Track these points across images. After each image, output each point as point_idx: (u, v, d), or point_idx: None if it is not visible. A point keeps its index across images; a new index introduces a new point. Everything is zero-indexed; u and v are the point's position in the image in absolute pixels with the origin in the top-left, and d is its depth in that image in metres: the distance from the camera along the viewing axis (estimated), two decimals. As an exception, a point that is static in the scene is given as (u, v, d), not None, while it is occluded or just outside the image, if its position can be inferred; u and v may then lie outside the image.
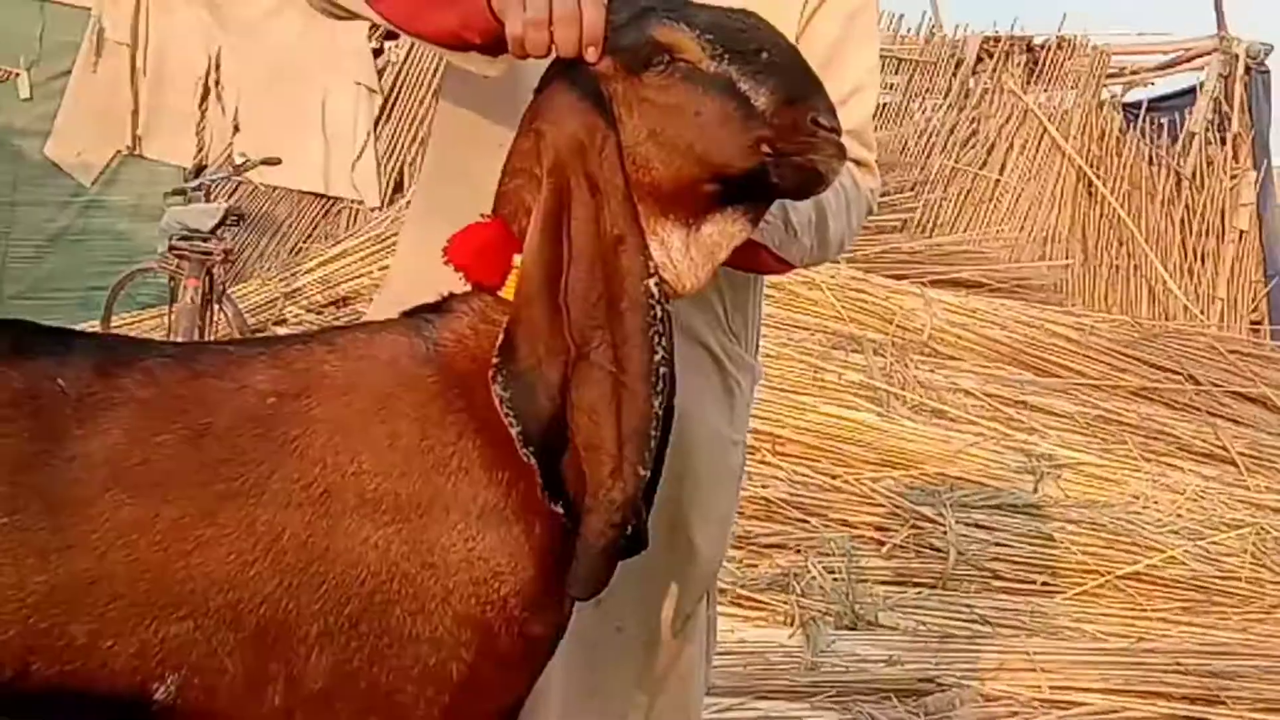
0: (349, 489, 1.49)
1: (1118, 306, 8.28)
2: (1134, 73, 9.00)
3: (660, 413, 1.49)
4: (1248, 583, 4.97)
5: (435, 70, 8.66)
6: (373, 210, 8.45)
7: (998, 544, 5.00)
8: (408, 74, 8.79)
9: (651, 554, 1.59)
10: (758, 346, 2.02)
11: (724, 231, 1.50)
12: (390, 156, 8.74)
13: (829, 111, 1.46)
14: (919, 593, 4.67)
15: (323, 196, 8.68)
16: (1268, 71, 8.82)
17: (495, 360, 1.49)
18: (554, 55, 1.50)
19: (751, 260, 1.66)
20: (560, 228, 1.50)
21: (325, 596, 1.48)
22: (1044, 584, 4.90)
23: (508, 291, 1.54)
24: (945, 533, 4.95)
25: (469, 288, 1.58)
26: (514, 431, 1.48)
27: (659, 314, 1.49)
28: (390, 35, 8.84)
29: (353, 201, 8.68)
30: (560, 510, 1.49)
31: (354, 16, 1.69)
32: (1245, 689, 3.92)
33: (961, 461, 5.46)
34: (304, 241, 8.51)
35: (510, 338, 1.50)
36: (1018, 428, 5.91)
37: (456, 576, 1.49)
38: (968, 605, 4.61)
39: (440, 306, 1.58)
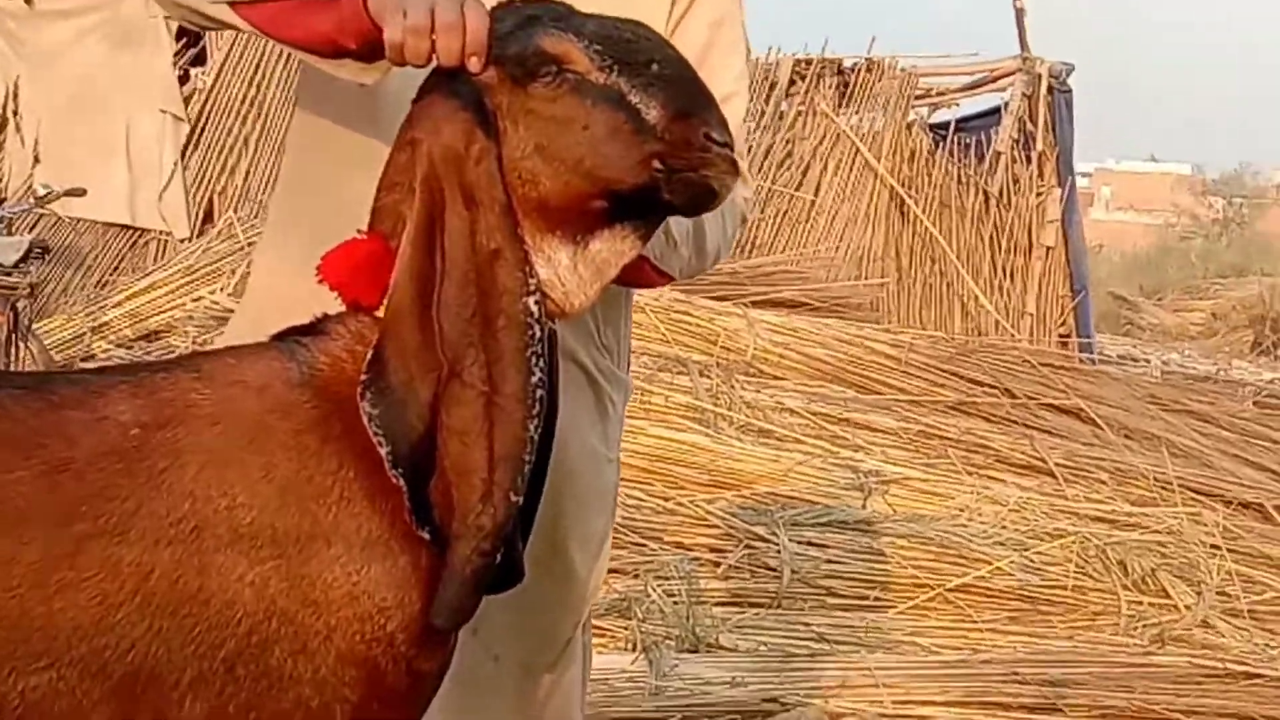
0: (222, 524, 1.41)
1: (932, 323, 8.44)
2: (940, 94, 9.21)
3: (536, 437, 1.44)
4: (1072, 591, 5.06)
5: (245, 98, 8.49)
6: (182, 241, 8.22)
7: (830, 561, 5.02)
8: (216, 100, 8.58)
9: (528, 579, 1.54)
10: (629, 361, 1.98)
11: (613, 249, 1.46)
12: (199, 186, 8.52)
13: (721, 126, 1.43)
14: (756, 613, 4.66)
15: (129, 228, 8.43)
16: (1069, 91, 9.09)
17: (364, 376, 1.43)
18: (434, 64, 1.44)
19: (632, 273, 1.62)
20: (433, 240, 1.44)
21: (198, 640, 1.40)
22: (877, 599, 4.93)
23: (384, 311, 1.47)
24: (779, 552, 4.96)
25: (343, 307, 1.51)
26: (383, 452, 1.42)
27: (538, 334, 1.44)
28: (197, 61, 8.65)
29: (161, 233, 8.44)
30: (427, 536, 1.43)
31: (219, 25, 1.61)
32: (1082, 696, 3.98)
33: (791, 480, 5.48)
34: (110, 274, 8.25)
35: (380, 353, 1.44)
36: (843, 445, 5.95)
37: (340, 613, 1.42)
38: (805, 623, 4.62)
39: (313, 329, 1.51)
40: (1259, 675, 4.02)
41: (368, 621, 1.42)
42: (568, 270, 1.45)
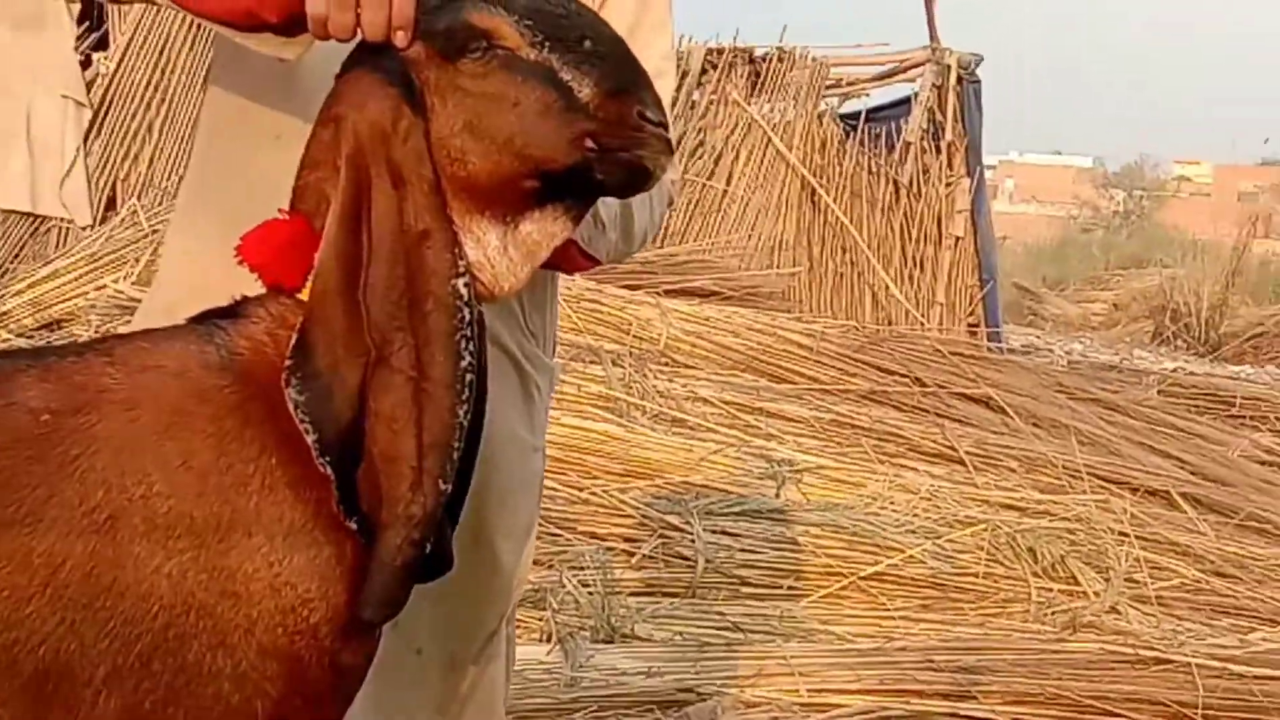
0: (138, 513, 1.35)
1: (843, 312, 8.47)
2: (851, 84, 9.24)
3: (465, 423, 1.40)
4: (983, 578, 5.09)
5: (149, 83, 8.34)
6: (84, 229, 8.05)
7: (744, 550, 5.01)
8: (119, 86, 8.41)
9: (453, 570, 1.50)
10: (555, 346, 1.94)
11: (544, 230, 1.42)
12: (102, 172, 8.35)
13: (656, 105, 1.39)
14: (671, 603, 4.65)
15: (30, 215, 8.25)
16: (979, 81, 9.16)
17: (288, 362, 1.38)
18: (359, 38, 1.39)
19: (560, 256, 1.58)
20: (360, 220, 1.39)
21: (113, 634, 1.34)
22: (790, 588, 4.93)
23: (308, 293, 1.42)
24: (693, 541, 4.94)
25: (262, 290, 1.46)
26: (310, 440, 1.37)
27: (467, 317, 1.39)
28: (100, 45, 8.48)
29: (62, 220, 8.26)
30: (355, 526, 1.39)
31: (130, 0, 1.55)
32: (996, 682, 3.99)
33: (705, 469, 5.46)
34: (11, 262, 8.08)
35: (306, 337, 1.38)
36: (756, 434, 5.95)
37: (261, 605, 1.37)
38: (720, 613, 4.61)
39: (233, 311, 1.45)
40: (1168, 660, 4.05)
41: (290, 614, 1.37)
42: (497, 252, 1.41)
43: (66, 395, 1.38)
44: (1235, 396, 8.11)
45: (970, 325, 8.84)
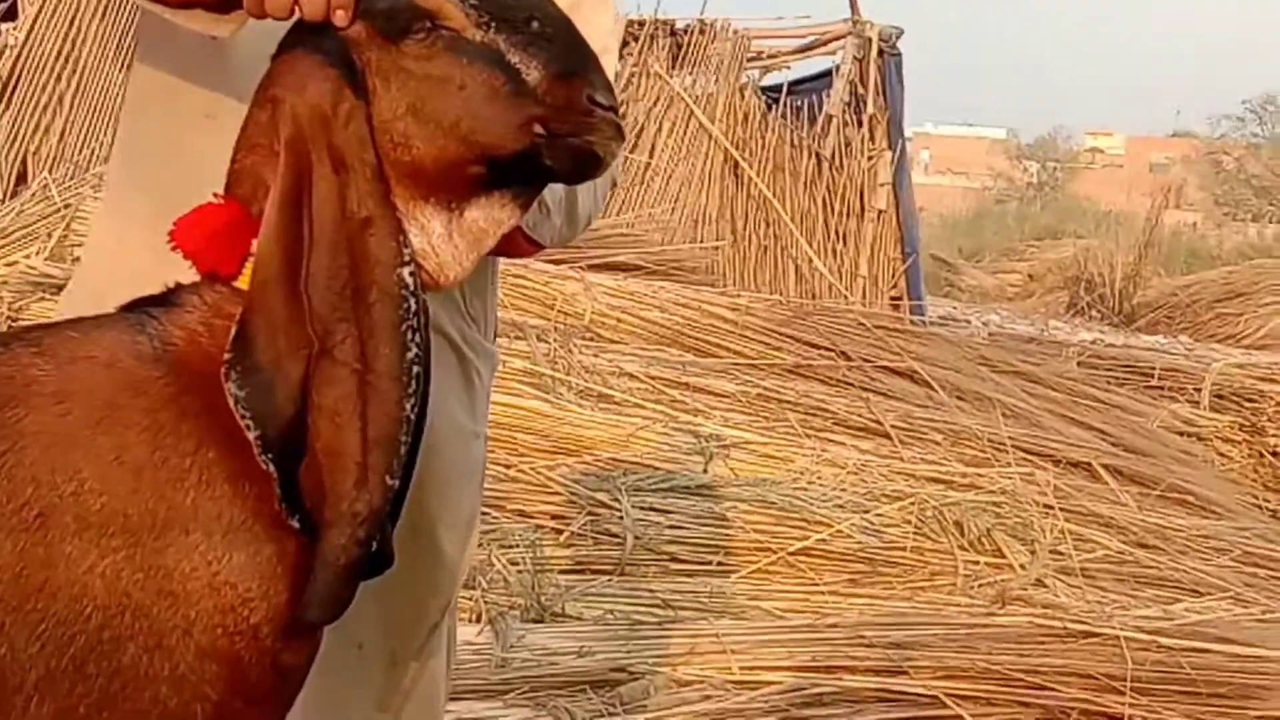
0: (69, 511, 1.30)
1: (766, 286, 8.47)
2: (772, 56, 9.22)
3: (413, 416, 1.35)
4: (911, 552, 5.10)
5: (59, 54, 8.17)
6: (-6, 204, 7.90)
7: (673, 526, 5.00)
8: (28, 57, 8.23)
9: (394, 566, 1.45)
10: (495, 332, 1.89)
11: (490, 217, 1.38)
12: (11, 146, 8.17)
13: (606, 89, 1.35)
14: (602, 580, 4.62)
15: (-63, 190, 8.08)
16: (899, 54, 9.16)
17: (228, 355, 1.33)
18: (296, 17, 1.34)
19: (504, 242, 1.54)
20: (300, 207, 1.34)
21: (45, 637, 1.29)
22: (719, 564, 4.92)
23: (244, 281, 1.37)
24: (622, 518, 4.92)
25: (194, 277, 1.40)
26: (251, 436, 1.32)
27: (413, 307, 1.35)
28: (7, 16, 8.30)
29: (-30, 194, 8.10)
30: (297, 525, 1.34)
31: None
32: (926, 657, 4.00)
33: (633, 445, 5.43)
34: (-81, 238, 7.88)
35: (245, 329, 1.33)
36: (683, 409, 5.93)
37: (199, 605, 1.32)
38: (649, 590, 4.59)
39: (165, 300, 1.40)
40: (1097, 634, 4.07)
41: (230, 614, 1.33)
42: (442, 240, 1.37)
43: (-8, 389, 1.32)
44: (1154, 368, 8.18)
45: (893, 298, 8.87)
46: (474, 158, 1.34)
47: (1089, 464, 6.17)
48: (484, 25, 1.34)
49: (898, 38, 9.08)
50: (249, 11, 1.35)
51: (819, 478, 5.55)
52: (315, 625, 1.36)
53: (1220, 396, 7.66)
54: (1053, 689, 3.94)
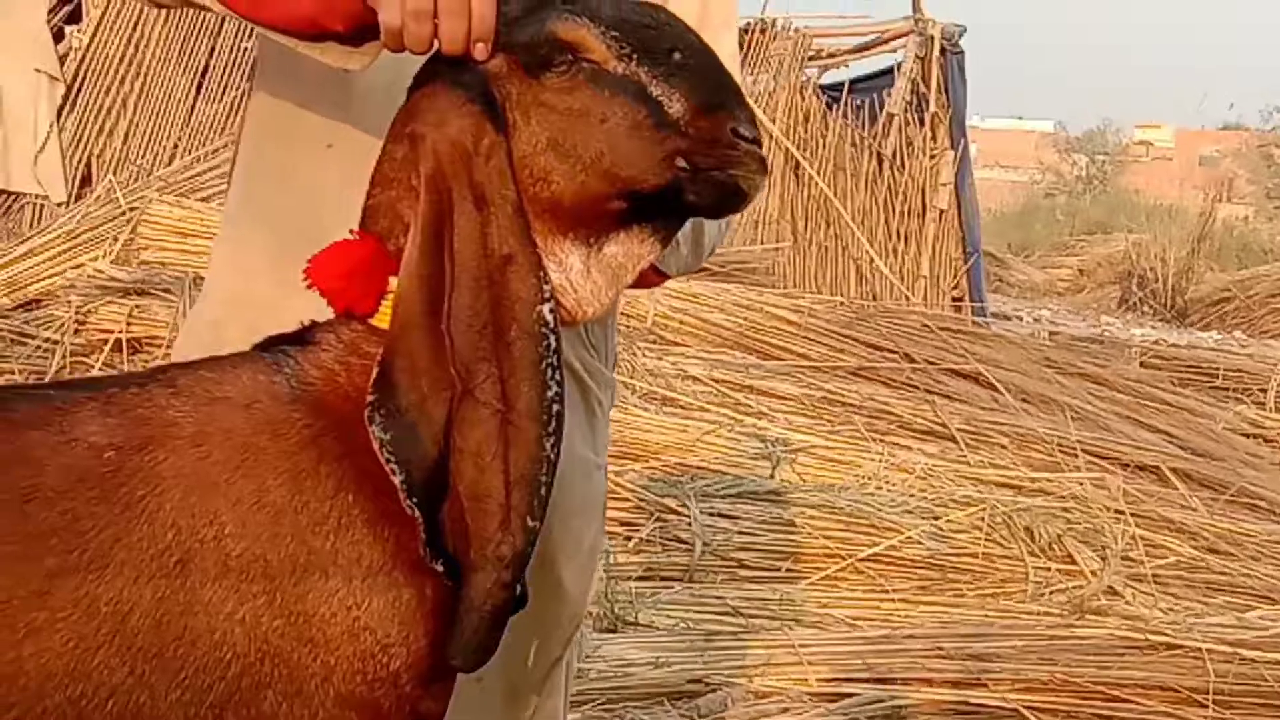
0: (209, 556, 1.28)
1: (827, 287, 8.42)
2: (833, 55, 9.15)
3: (553, 456, 1.32)
4: (981, 559, 5.05)
5: (123, 57, 8.20)
6: (59, 206, 7.92)
7: (741, 532, 4.97)
8: (93, 60, 8.27)
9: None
10: (615, 360, 1.86)
11: (629, 252, 1.34)
12: (76, 148, 8.21)
13: (750, 121, 1.32)
14: (671, 588, 4.59)
15: (3, 192, 8.10)
16: (962, 52, 9.08)
17: (371, 398, 1.30)
18: (434, 50, 1.31)
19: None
20: (441, 244, 1.31)
21: (185, 684, 1.27)
22: (789, 570, 4.88)
23: (381, 319, 1.34)
24: (690, 524, 4.89)
25: (318, 305, 1.38)
26: (396, 480, 1.28)
27: (552, 344, 1.31)
28: (72, 19, 8.33)
29: (36, 197, 8.12)
30: (441, 569, 1.31)
31: (185, 4, 1.46)
32: (1005, 669, 3.96)
33: (699, 450, 5.40)
34: (-16, 241, 7.93)
35: (387, 371, 1.30)
36: (747, 412, 5.90)
37: (339, 652, 1.30)
38: (718, 597, 4.56)
39: (301, 338, 1.37)
40: (1178, 645, 4.02)
41: (369, 660, 1.30)
42: (580, 275, 1.33)
43: (130, 430, 1.30)
44: (1217, 368, 8.10)
45: (954, 299, 8.81)
46: (615, 192, 1.31)
47: (1157, 467, 6.10)
48: (625, 57, 1.30)
49: (960, 35, 8.98)
50: (386, 45, 1.32)
51: (887, 483, 5.51)
52: (457, 671, 1.33)
53: (1286, 397, 7.58)
54: (1134, 701, 3.89)
